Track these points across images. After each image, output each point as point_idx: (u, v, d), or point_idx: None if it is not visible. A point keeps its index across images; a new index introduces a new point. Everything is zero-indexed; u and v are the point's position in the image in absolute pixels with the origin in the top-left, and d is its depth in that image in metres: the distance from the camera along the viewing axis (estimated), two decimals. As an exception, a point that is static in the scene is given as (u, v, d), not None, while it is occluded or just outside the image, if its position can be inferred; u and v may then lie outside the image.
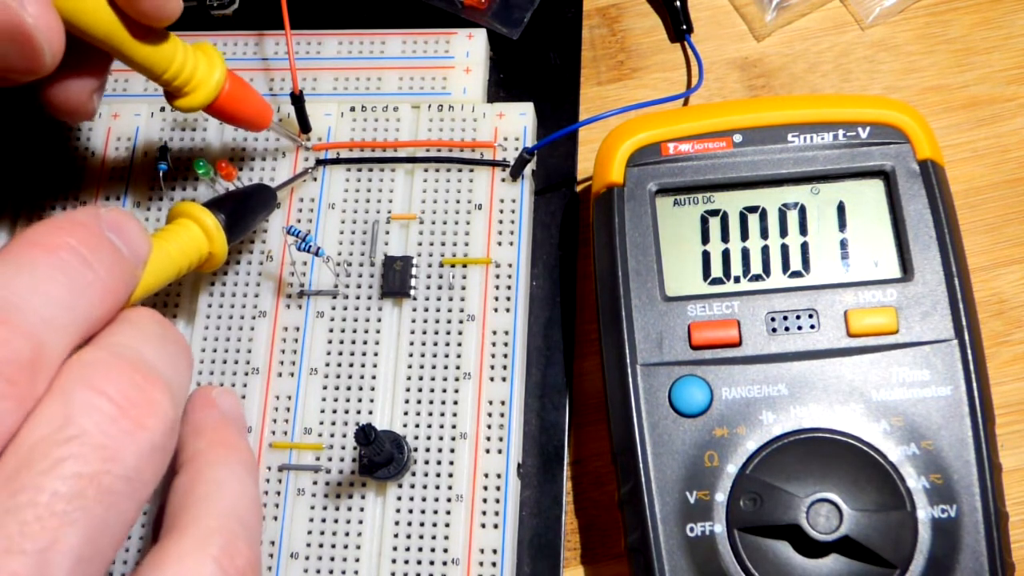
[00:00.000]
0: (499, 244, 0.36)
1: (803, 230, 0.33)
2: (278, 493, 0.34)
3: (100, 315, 0.22)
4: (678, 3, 0.41)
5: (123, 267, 0.23)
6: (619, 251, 0.33)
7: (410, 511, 0.33)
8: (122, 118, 0.39)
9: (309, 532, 0.33)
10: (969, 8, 0.41)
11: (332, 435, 0.34)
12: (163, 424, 0.21)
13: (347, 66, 0.39)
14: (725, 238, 0.33)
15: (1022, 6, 0.41)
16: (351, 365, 0.35)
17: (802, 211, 0.33)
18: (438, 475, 0.34)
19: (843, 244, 0.33)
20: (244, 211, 0.34)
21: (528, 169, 0.37)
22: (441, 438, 0.34)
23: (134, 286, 0.24)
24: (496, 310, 0.35)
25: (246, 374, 0.35)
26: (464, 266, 0.36)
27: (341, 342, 0.35)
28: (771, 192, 0.34)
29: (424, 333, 0.35)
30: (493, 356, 0.35)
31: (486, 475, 0.34)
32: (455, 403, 0.34)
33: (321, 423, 0.35)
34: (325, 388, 0.35)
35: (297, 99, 0.37)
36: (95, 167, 0.39)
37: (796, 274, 0.33)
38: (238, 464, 0.25)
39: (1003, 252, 0.38)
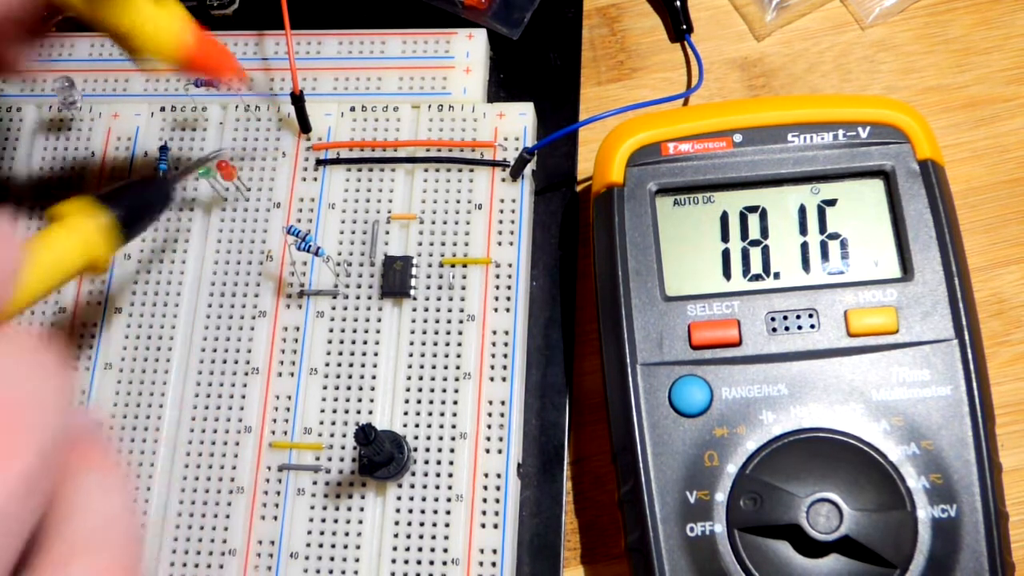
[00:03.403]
0: (499, 244, 0.36)
1: (803, 230, 0.33)
2: (278, 493, 0.34)
3: None
4: (678, 3, 0.41)
5: None
6: (619, 251, 0.33)
7: (410, 511, 0.33)
8: (122, 118, 0.39)
9: (309, 532, 0.33)
10: (968, 8, 0.41)
11: (332, 435, 0.34)
12: (23, 466, 0.18)
13: (347, 66, 0.39)
14: (725, 238, 0.33)
15: (1021, 6, 0.41)
16: (351, 365, 0.35)
17: (802, 211, 0.33)
18: (438, 475, 0.34)
19: (843, 244, 0.33)
20: (139, 208, 0.31)
21: (528, 169, 0.37)
22: (441, 438, 0.34)
23: (3, 301, 0.22)
24: (496, 310, 0.35)
25: (246, 374, 0.35)
26: (464, 266, 0.36)
27: (341, 342, 0.35)
28: (771, 192, 0.34)
29: (424, 333, 0.35)
30: (493, 356, 0.35)
31: (486, 475, 0.34)
32: (455, 403, 0.34)
33: (321, 423, 0.35)
34: (325, 388, 0.35)
35: (297, 99, 0.37)
36: (95, 167, 0.39)
37: (796, 274, 0.33)
38: (87, 480, 0.21)
39: (1002, 252, 0.38)
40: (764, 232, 0.33)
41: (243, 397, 0.35)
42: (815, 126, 0.34)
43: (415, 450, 0.34)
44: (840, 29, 0.41)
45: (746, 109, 0.34)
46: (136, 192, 0.32)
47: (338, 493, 0.34)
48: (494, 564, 0.33)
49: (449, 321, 0.35)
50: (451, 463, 0.34)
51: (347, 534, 0.33)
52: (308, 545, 0.33)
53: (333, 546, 0.33)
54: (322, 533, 0.33)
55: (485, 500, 0.33)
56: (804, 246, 0.33)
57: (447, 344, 0.35)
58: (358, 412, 0.35)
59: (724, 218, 0.34)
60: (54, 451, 0.19)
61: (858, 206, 0.33)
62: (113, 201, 0.30)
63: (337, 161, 0.38)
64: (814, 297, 0.32)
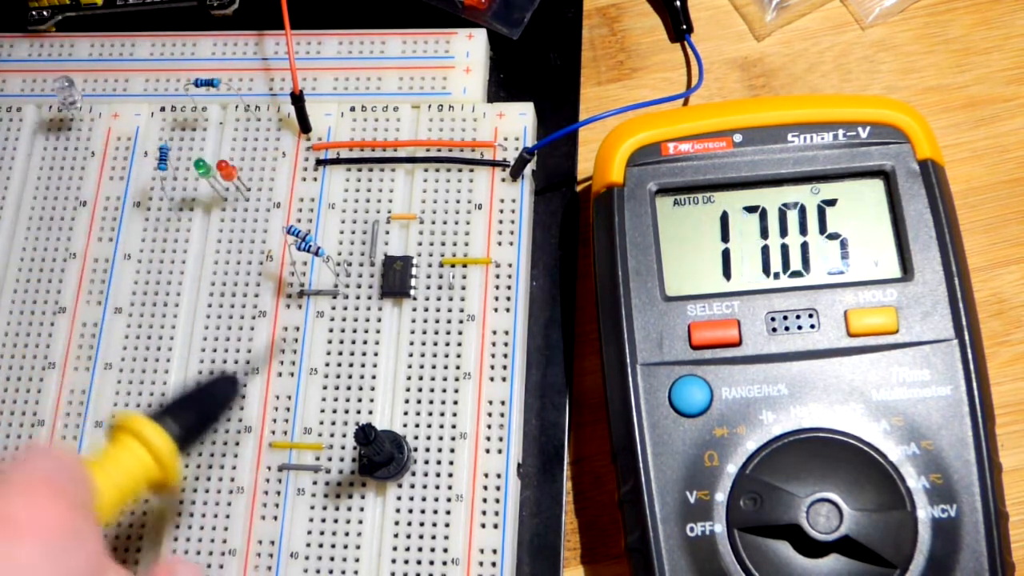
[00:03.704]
0: (499, 244, 0.36)
1: (803, 230, 0.33)
2: (278, 493, 0.34)
3: None
4: (678, 3, 0.41)
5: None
6: (619, 251, 0.33)
7: (410, 511, 0.33)
8: (122, 118, 0.39)
9: (309, 532, 0.33)
10: (968, 8, 0.41)
11: (332, 435, 0.34)
12: None
13: (347, 66, 0.39)
14: (725, 238, 0.33)
15: (1021, 6, 0.41)
16: (351, 365, 0.35)
17: (802, 211, 0.33)
18: (438, 475, 0.34)
19: (843, 244, 0.33)
20: (204, 418, 0.30)
21: (528, 169, 0.37)
22: (441, 438, 0.34)
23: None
24: (496, 310, 0.35)
25: (246, 374, 0.35)
26: (464, 266, 0.36)
27: (341, 342, 0.35)
28: (771, 192, 0.34)
29: (424, 333, 0.35)
30: (493, 356, 0.35)
31: (486, 475, 0.34)
32: (455, 403, 0.34)
33: (321, 423, 0.35)
34: (325, 388, 0.35)
35: (297, 99, 0.37)
36: (95, 167, 0.39)
37: (796, 274, 0.33)
38: None
39: (1002, 252, 0.38)
40: (764, 232, 0.33)
41: (243, 397, 0.35)
42: (815, 126, 0.34)
43: (415, 450, 0.34)
44: (840, 29, 0.41)
45: (746, 109, 0.34)
46: (197, 401, 0.31)
47: (338, 493, 0.34)
48: (494, 564, 0.33)
49: (449, 321, 0.35)
50: (451, 463, 0.34)
51: (347, 534, 0.33)
52: (308, 545, 0.33)
53: (333, 546, 0.33)
54: (322, 533, 0.33)
55: (485, 500, 0.33)
56: (804, 246, 0.33)
57: (447, 344, 0.35)
58: (358, 412, 0.35)
59: (724, 218, 0.34)
60: None
61: (858, 206, 0.33)
62: (177, 413, 0.29)
63: (337, 161, 0.38)
64: (814, 297, 0.32)
